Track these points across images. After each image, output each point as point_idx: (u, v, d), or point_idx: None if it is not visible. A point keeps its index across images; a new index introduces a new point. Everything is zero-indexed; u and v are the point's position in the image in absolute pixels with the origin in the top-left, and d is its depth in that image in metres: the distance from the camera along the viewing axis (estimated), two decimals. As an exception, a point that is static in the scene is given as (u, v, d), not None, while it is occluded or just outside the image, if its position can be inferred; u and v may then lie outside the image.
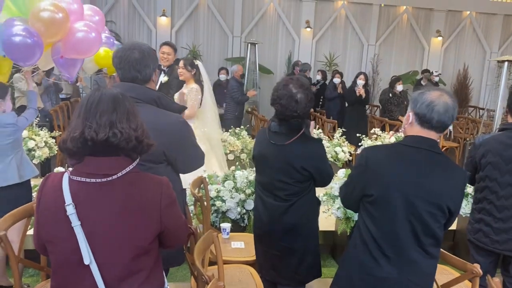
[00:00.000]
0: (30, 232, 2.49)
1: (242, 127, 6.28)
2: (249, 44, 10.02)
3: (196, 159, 2.26)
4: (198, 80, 4.65)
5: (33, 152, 4.99)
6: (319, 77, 9.37)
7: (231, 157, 5.68)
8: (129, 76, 2.06)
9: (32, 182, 3.57)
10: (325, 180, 2.57)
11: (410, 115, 1.92)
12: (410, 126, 1.93)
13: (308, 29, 10.79)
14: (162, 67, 5.09)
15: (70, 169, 1.55)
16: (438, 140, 1.99)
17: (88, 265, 1.46)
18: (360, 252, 1.95)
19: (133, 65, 2.04)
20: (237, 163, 5.45)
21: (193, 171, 2.29)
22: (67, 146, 1.48)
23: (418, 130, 1.90)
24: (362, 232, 1.96)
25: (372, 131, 6.19)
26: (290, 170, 2.46)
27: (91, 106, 1.49)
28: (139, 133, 1.53)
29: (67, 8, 3.17)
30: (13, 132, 3.20)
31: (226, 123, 7.01)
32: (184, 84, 4.64)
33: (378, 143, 5.76)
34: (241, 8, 10.64)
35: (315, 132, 6.13)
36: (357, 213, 2.06)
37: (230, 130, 6.09)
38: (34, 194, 3.44)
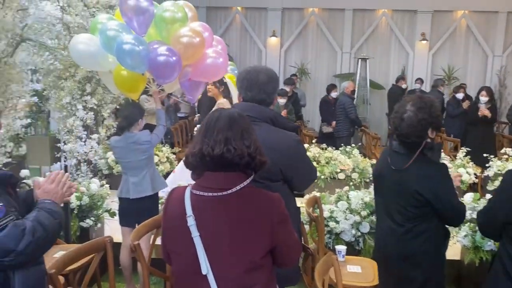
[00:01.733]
0: (157, 241, 2.65)
1: (353, 145, 6.07)
2: (359, 60, 9.78)
3: (310, 175, 2.27)
4: (227, 96, 4.95)
5: (156, 167, 5.39)
6: (417, 85, 8.77)
7: (341, 176, 5.52)
8: (258, 98, 2.14)
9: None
10: (448, 213, 2.27)
11: None
12: None
13: (424, 42, 10.19)
14: None
15: (192, 183, 1.65)
16: None
17: (206, 276, 1.52)
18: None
19: (262, 87, 2.13)
20: (350, 183, 5.26)
21: (307, 187, 2.30)
22: (189, 161, 1.61)
23: None
24: (506, 265, 1.73)
25: (502, 150, 5.56)
26: (404, 193, 2.29)
27: (209, 125, 1.60)
28: (252, 150, 1.58)
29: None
30: (148, 148, 3.50)
31: (338, 141, 6.85)
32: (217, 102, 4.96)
33: (510, 165, 5.14)
34: (351, 24, 10.46)
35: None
36: (497, 242, 1.81)
37: (340, 149, 5.93)
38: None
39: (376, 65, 10.39)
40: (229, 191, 1.55)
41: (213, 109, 4.79)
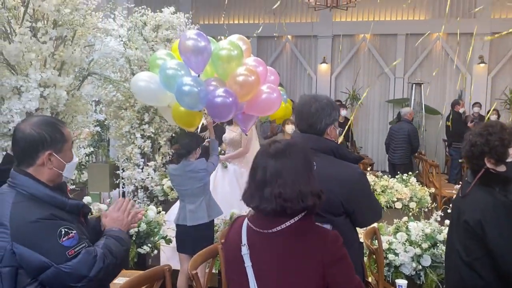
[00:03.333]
0: (212, 270, 2.66)
1: (410, 173, 5.86)
2: (413, 85, 9.54)
3: (374, 211, 2.18)
4: None
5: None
6: (494, 117, 8.32)
7: (398, 205, 5.31)
8: (306, 127, 2.13)
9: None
10: (494, 253, 2.07)
11: None
12: None
13: (482, 65, 9.80)
14: None
15: (252, 212, 1.65)
16: None
17: None
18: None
19: (311, 117, 2.11)
20: (409, 213, 5.05)
21: (371, 224, 2.20)
22: (245, 196, 1.61)
23: None
24: None
25: None
26: (458, 223, 2.20)
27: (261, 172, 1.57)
28: (310, 188, 1.55)
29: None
30: (204, 176, 3.57)
31: (399, 169, 6.67)
32: (227, 127, 4.96)
33: None
34: (404, 49, 10.28)
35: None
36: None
37: (397, 177, 5.74)
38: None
39: (431, 90, 10.07)
40: (279, 228, 1.53)
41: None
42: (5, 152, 2.71)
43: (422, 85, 9.43)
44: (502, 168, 2.17)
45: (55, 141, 1.66)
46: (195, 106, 3.27)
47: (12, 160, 2.00)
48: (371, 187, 5.43)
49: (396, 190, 5.42)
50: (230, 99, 3.23)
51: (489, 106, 9.52)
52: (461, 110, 8.54)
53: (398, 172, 5.95)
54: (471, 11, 9.67)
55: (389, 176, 5.81)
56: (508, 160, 2.16)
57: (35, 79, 3.17)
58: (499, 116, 8.48)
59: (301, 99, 2.24)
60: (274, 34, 10.03)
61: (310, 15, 10.53)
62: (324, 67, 10.69)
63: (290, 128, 5.90)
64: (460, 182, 5.50)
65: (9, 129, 3.25)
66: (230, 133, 5.01)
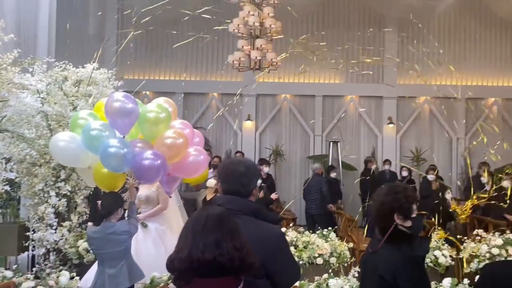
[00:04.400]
0: None
1: (330, 228, 6.07)
2: (331, 142, 10.13)
3: (294, 273, 2.21)
4: None
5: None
6: (405, 173, 9.04)
7: (319, 261, 5.44)
8: (233, 189, 2.15)
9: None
10: None
11: None
12: None
13: (391, 125, 10.72)
14: None
15: None
16: None
17: None
18: None
19: (238, 179, 2.15)
20: (329, 269, 5.18)
21: (291, 285, 2.23)
22: (174, 266, 1.53)
23: None
24: None
25: (474, 232, 5.66)
26: (374, 278, 2.29)
27: (198, 226, 1.55)
28: (244, 252, 1.55)
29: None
30: (126, 239, 3.43)
31: (317, 219, 7.30)
32: (140, 185, 4.94)
33: (483, 246, 5.23)
34: (322, 109, 10.98)
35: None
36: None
37: (317, 232, 5.91)
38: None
39: (347, 147, 10.76)
40: None
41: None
42: None
43: (338, 143, 10.04)
44: (408, 223, 2.36)
45: None
46: (121, 168, 3.21)
47: None
48: (294, 243, 5.55)
49: (317, 246, 5.57)
50: (158, 161, 3.21)
51: (399, 163, 10.33)
52: (373, 167, 9.17)
53: (317, 226, 6.15)
54: (379, 79, 10.69)
55: (310, 230, 5.97)
56: (413, 215, 2.37)
57: None
58: (410, 172, 9.20)
59: (227, 163, 2.31)
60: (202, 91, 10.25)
61: (235, 74, 10.95)
62: (249, 124, 11.02)
63: (211, 183, 5.97)
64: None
65: None
66: (145, 190, 4.90)
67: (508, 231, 5.65)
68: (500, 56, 10.96)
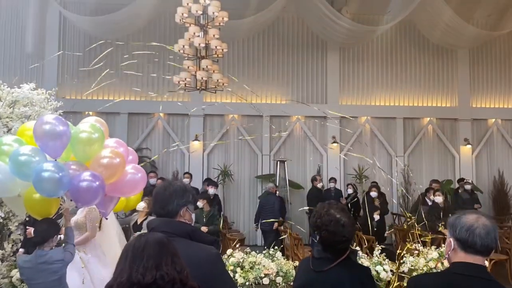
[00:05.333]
0: None
1: (276, 248, 6.12)
2: (278, 162, 10.28)
3: None
4: None
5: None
6: (350, 190, 9.32)
7: (266, 281, 5.45)
8: (160, 210, 2.23)
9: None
10: None
11: (451, 241, 1.88)
12: (453, 252, 1.88)
13: (334, 144, 11.07)
14: None
15: None
16: (486, 264, 1.90)
17: None
18: None
19: (165, 199, 2.21)
20: (274, 287, 5.21)
21: None
22: None
23: (463, 256, 1.84)
24: None
25: (412, 246, 5.91)
26: None
27: (137, 250, 1.56)
28: (184, 275, 1.57)
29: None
30: (60, 268, 3.26)
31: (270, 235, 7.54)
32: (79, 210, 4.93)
33: (421, 260, 5.47)
34: (269, 128, 11.15)
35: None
36: None
37: (264, 252, 5.94)
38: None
39: (294, 166, 10.97)
40: None
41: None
42: None
43: (285, 162, 10.21)
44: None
45: None
46: (56, 192, 3.09)
47: None
48: (240, 264, 5.53)
49: (264, 266, 5.58)
50: (97, 182, 3.13)
51: (343, 180, 10.66)
52: (319, 185, 9.39)
53: (265, 248, 6.17)
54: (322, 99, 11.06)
55: (262, 248, 6.00)
56: None
57: None
58: (355, 190, 9.52)
59: (159, 185, 2.33)
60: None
61: (182, 95, 10.91)
62: (196, 144, 10.96)
63: (141, 206, 5.96)
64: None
65: None
66: (74, 216, 4.75)
67: (443, 245, 5.96)
68: (433, 78, 11.71)
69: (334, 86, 11.37)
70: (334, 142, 11.07)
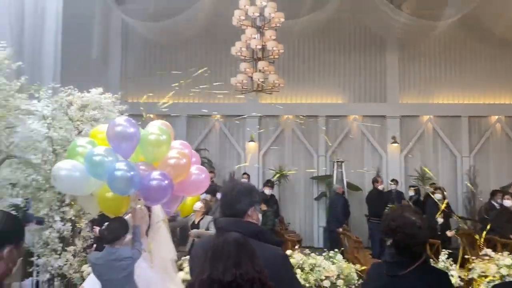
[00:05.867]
0: None
1: (336, 250, 6.01)
2: (335, 163, 10.11)
3: None
4: None
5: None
6: (412, 192, 8.99)
7: (326, 283, 5.36)
8: (228, 210, 2.22)
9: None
10: None
11: None
12: None
13: (395, 145, 10.72)
14: None
15: None
16: None
17: None
18: None
19: (232, 199, 2.22)
20: (335, 291, 5.11)
21: None
22: None
23: None
24: None
25: (483, 252, 5.59)
26: None
27: (217, 250, 1.58)
28: (263, 275, 1.56)
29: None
30: (129, 265, 3.38)
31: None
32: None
33: (493, 266, 5.16)
34: (325, 129, 11.01)
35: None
36: None
37: (324, 254, 5.85)
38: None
39: (351, 167, 10.73)
40: None
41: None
42: None
43: (342, 163, 10.02)
44: None
45: (14, 234, 1.55)
46: (128, 190, 3.23)
47: None
48: (300, 265, 5.48)
49: (324, 268, 5.50)
50: (166, 181, 3.25)
51: (404, 182, 10.29)
52: (380, 187, 9.13)
53: (325, 250, 6.09)
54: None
55: (321, 250, 5.93)
56: None
57: None
58: (418, 192, 9.17)
59: (225, 186, 2.35)
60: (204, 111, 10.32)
61: (238, 96, 11.03)
62: (252, 145, 11.04)
63: (197, 206, 6.06)
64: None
65: None
66: None
67: (516, 250, 5.58)
68: (500, 73, 11.01)
69: (394, 84, 11.01)
70: (394, 142, 10.72)
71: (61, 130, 5.00)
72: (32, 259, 5.05)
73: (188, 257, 5.06)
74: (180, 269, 4.99)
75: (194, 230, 6.06)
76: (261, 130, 10.97)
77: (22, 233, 1.60)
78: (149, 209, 4.82)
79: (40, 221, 4.53)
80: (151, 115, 10.84)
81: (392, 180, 9.57)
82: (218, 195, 7.51)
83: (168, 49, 11.36)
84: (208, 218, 6.22)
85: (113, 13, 10.94)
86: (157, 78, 11.28)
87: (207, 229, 6.12)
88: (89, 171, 3.22)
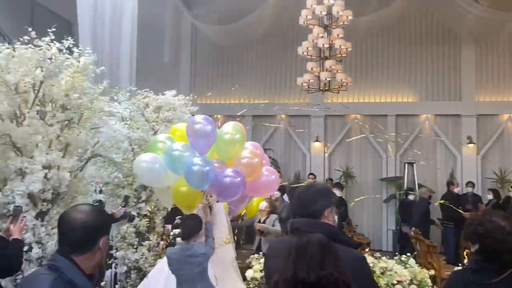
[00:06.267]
0: None
1: (408, 254, 5.78)
2: (406, 164, 9.73)
3: None
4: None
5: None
6: (490, 196, 8.43)
7: (399, 288, 5.18)
8: (303, 210, 2.20)
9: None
10: None
11: None
12: None
13: (471, 145, 10.10)
14: None
15: None
16: None
17: None
18: None
19: (308, 199, 2.19)
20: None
21: None
22: None
23: None
24: None
25: None
26: None
27: (300, 249, 1.56)
28: (347, 277, 1.53)
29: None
30: (203, 261, 3.49)
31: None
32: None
33: None
34: (395, 129, 10.63)
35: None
36: None
37: (395, 258, 5.65)
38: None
39: (423, 169, 10.26)
40: None
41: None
42: None
43: (414, 164, 9.62)
44: None
45: (108, 226, 1.77)
46: (203, 185, 3.36)
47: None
48: (371, 269, 5.34)
49: (396, 272, 5.31)
50: (239, 178, 3.35)
51: (481, 185, 9.67)
52: (456, 190, 8.66)
53: (397, 254, 5.88)
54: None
55: (391, 254, 5.74)
56: None
57: (40, 161, 3.23)
58: (497, 195, 8.57)
59: (301, 187, 2.34)
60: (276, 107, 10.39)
61: (303, 96, 10.98)
62: (317, 146, 10.93)
63: (263, 205, 6.09)
64: (460, 264, 5.43)
65: (9, 210, 3.24)
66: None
67: None
68: None
69: (469, 81, 10.38)
70: (469, 142, 10.10)
71: (138, 130, 5.28)
72: (111, 251, 5.36)
73: (256, 255, 5.10)
74: (249, 267, 5.05)
75: (259, 224, 6.12)
76: (327, 130, 10.83)
77: (110, 224, 1.85)
78: (210, 208, 4.96)
79: (131, 218, 4.85)
80: (219, 116, 11.15)
81: (468, 183, 9.03)
82: (285, 196, 7.52)
83: (235, 51, 11.57)
84: (273, 216, 6.26)
85: (183, 18, 11.35)
86: (224, 80, 11.57)
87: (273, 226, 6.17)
88: (168, 165, 3.39)
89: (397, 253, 5.89)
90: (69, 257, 1.65)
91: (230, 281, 4.51)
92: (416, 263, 5.73)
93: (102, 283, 4.72)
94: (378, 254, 5.73)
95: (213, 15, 11.27)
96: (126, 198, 4.31)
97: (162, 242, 5.76)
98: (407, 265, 5.51)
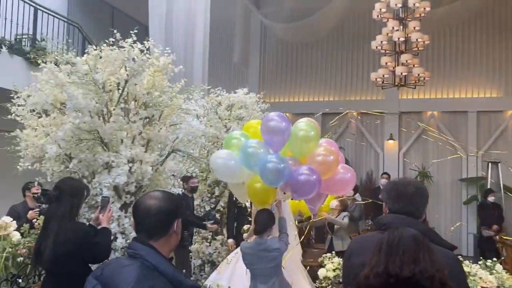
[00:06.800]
0: None
1: (495, 259, 5.37)
2: (489, 163, 9.07)
3: None
4: None
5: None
6: None
7: (484, 295, 4.83)
8: (405, 210, 2.05)
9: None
10: None
11: None
12: None
13: None
14: None
15: None
16: None
17: None
18: None
19: (411, 199, 2.05)
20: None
21: None
22: (370, 282, 1.50)
23: None
24: None
25: None
26: None
27: (392, 244, 1.51)
28: (443, 274, 1.46)
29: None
30: (277, 256, 3.50)
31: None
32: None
33: None
34: (476, 126, 9.95)
35: None
36: None
37: (480, 262, 5.27)
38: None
39: (509, 169, 9.49)
40: None
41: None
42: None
43: (499, 163, 8.93)
44: None
45: (180, 208, 1.80)
46: (277, 182, 3.36)
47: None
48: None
49: (480, 278, 4.96)
50: (314, 176, 3.30)
51: None
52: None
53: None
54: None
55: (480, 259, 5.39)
56: None
57: (125, 155, 3.42)
58: None
59: (391, 181, 2.22)
60: (341, 109, 10.19)
61: (376, 92, 10.64)
62: (391, 144, 10.53)
63: (333, 204, 6.02)
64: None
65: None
66: None
67: None
68: None
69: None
70: None
71: (211, 128, 5.44)
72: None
73: (328, 254, 5.03)
74: (321, 266, 4.99)
75: (326, 214, 6.03)
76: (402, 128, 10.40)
77: (183, 207, 1.88)
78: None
79: (216, 221, 5.01)
80: (287, 114, 11.13)
81: None
82: (357, 196, 7.34)
83: (304, 49, 11.50)
84: (343, 214, 6.15)
85: (252, 17, 11.47)
86: (293, 78, 11.53)
87: None
88: (243, 161, 3.43)
89: (481, 258, 5.50)
90: (148, 243, 1.68)
91: (302, 282, 4.50)
92: (503, 269, 5.32)
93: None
94: (460, 258, 5.39)
95: (282, 14, 11.26)
96: (217, 199, 4.45)
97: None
98: (493, 271, 5.13)
